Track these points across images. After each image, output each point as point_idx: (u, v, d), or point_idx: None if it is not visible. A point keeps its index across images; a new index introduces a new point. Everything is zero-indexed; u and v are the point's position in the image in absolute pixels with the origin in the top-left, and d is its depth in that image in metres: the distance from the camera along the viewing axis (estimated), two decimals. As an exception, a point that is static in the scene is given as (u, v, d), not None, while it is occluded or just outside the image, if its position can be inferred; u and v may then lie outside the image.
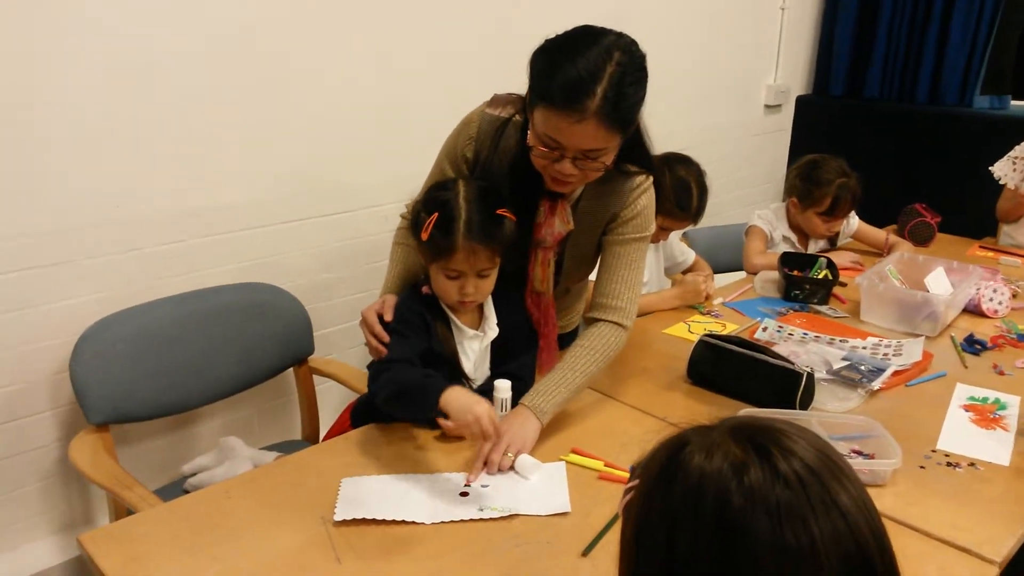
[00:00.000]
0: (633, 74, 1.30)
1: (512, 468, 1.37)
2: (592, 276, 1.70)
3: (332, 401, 2.34)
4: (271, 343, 1.99)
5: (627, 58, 1.30)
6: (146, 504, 1.47)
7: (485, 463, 1.35)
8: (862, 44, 3.89)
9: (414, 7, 2.31)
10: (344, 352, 2.43)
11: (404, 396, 1.39)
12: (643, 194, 1.56)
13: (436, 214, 1.38)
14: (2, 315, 1.75)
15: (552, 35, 1.36)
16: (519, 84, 1.50)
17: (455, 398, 1.31)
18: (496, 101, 1.56)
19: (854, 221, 2.68)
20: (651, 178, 1.57)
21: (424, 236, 1.38)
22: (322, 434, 2.14)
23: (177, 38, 1.87)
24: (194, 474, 1.88)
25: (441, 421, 1.46)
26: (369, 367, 1.61)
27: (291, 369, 2.08)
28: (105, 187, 1.83)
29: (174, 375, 1.83)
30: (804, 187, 2.51)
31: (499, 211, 1.41)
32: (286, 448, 2.02)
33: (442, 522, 1.23)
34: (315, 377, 2.12)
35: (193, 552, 1.16)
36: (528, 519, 1.25)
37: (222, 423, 2.20)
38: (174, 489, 1.86)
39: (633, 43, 1.34)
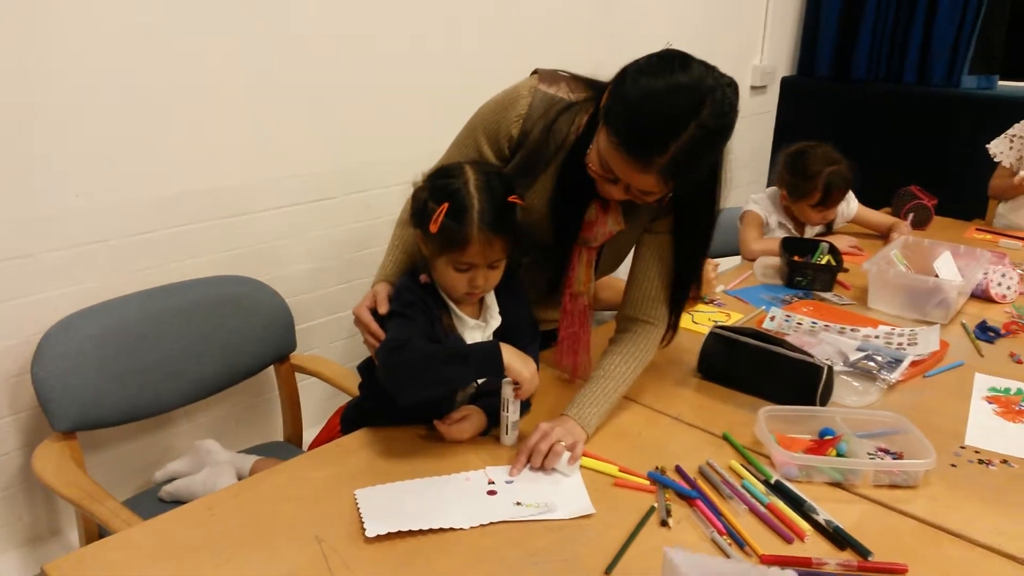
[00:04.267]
0: (714, 139, 1.21)
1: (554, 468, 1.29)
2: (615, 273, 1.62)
3: (314, 397, 2.22)
4: (250, 340, 1.87)
5: (715, 121, 1.18)
6: (118, 519, 1.37)
7: (528, 457, 1.28)
8: (849, 22, 3.82)
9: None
10: (327, 347, 2.31)
11: (437, 366, 1.28)
12: None
13: (446, 204, 1.26)
14: (-46, 314, 1.60)
15: (645, 56, 1.23)
16: (525, 65, 1.38)
17: (513, 352, 1.30)
18: (547, 78, 1.44)
19: (853, 205, 2.60)
20: None
21: (434, 228, 1.26)
22: (306, 434, 2.03)
23: (151, 8, 1.72)
24: (168, 481, 1.76)
25: (438, 424, 1.36)
26: (360, 368, 1.50)
27: (271, 367, 1.96)
28: (67, 172, 1.68)
29: (146, 376, 1.69)
30: (792, 180, 2.40)
31: (510, 198, 1.30)
32: (268, 451, 1.90)
33: (481, 525, 1.15)
34: (297, 374, 2.00)
35: (174, 579, 1.04)
36: (544, 533, 1.15)
37: (197, 425, 2.07)
38: (148, 497, 1.74)
39: (727, 97, 1.18)
